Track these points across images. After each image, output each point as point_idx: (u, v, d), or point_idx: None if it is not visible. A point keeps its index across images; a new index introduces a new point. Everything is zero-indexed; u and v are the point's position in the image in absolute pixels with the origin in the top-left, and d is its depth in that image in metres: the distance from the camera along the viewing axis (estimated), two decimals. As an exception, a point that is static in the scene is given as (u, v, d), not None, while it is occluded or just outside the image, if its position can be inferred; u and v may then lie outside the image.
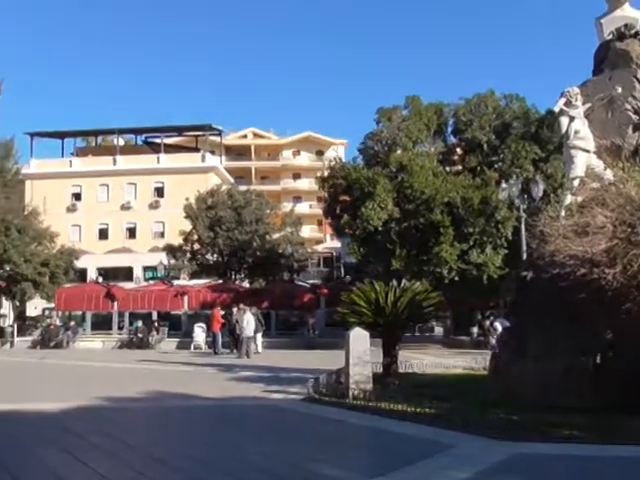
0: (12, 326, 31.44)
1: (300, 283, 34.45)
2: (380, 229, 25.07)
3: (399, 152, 26.69)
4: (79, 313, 33.35)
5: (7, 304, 39.49)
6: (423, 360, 15.52)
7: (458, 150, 29.56)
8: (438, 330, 29.68)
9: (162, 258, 37.90)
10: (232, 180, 52.62)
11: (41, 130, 54.61)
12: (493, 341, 20.70)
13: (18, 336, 30.25)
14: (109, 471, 5.38)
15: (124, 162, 52.61)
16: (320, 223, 59.20)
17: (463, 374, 13.60)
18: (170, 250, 36.41)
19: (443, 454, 6.10)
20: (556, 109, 11.37)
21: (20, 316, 37.13)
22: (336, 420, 8.38)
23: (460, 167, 28.30)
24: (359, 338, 10.31)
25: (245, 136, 70.12)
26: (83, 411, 8.96)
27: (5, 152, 42.12)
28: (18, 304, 38.73)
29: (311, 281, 36.39)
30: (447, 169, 27.60)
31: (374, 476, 5.26)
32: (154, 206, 51.10)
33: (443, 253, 24.24)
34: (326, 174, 28.94)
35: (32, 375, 16.27)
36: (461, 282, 24.53)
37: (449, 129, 29.28)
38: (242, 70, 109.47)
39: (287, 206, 46.55)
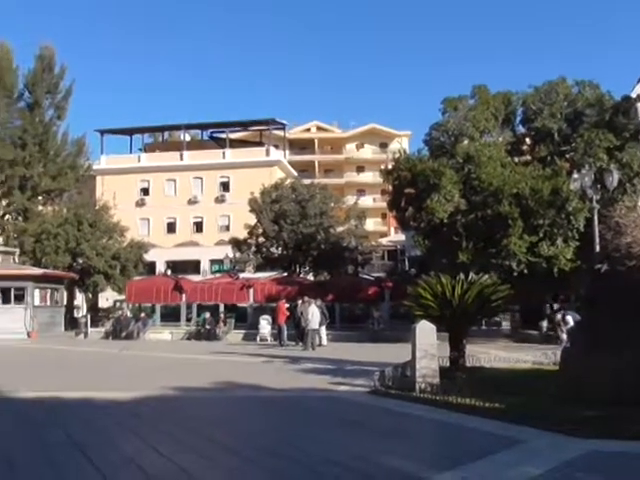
0: (86, 317, 32.50)
1: (364, 276, 34.36)
2: (446, 221, 24.66)
3: (466, 142, 26.14)
4: (149, 305, 34.24)
5: (80, 296, 40.94)
6: (491, 354, 15.22)
7: (527, 140, 28.72)
8: (505, 324, 29.05)
9: (228, 251, 38.46)
10: (296, 174, 52.88)
11: (111, 127, 56.30)
12: (564, 335, 20.14)
13: (91, 327, 31.25)
14: (181, 459, 5.47)
15: (190, 157, 53.65)
16: (384, 216, 58.88)
17: (532, 369, 13.25)
18: (236, 243, 36.90)
19: (513, 449, 5.94)
20: (633, 95, 10.91)
21: (93, 307, 38.42)
22: (403, 413, 8.29)
23: (529, 157, 27.49)
24: (426, 331, 10.17)
25: (308, 130, 70.37)
26: (154, 400, 9.17)
27: (77, 149, 43.56)
28: (91, 296, 40.09)
29: (375, 274, 36.23)
30: (515, 159, 26.84)
31: (444, 470, 5.16)
32: (220, 200, 51.92)
33: (512, 246, 23.65)
34: (390, 166, 28.65)
35: (106, 365, 16.78)
36: (530, 275, 23.88)
37: (518, 118, 28.46)
38: (305, 64, 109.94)
39: (351, 199, 46.37)
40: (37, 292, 31.66)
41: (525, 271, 24.00)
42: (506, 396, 8.46)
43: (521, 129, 28.84)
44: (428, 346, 10.02)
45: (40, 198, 42.07)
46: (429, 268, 20.28)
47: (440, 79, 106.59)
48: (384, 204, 42.23)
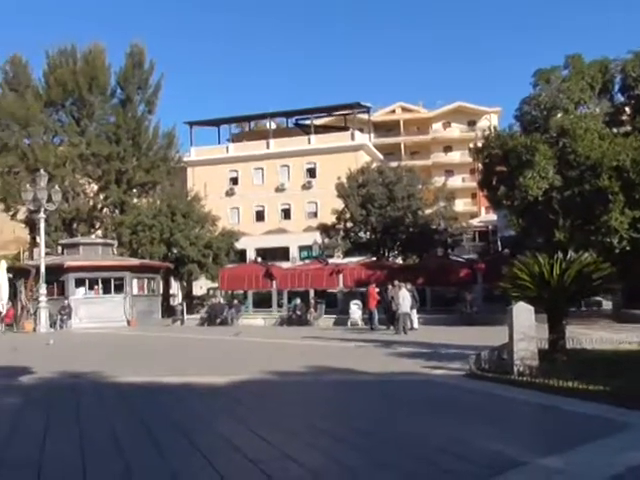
0: (181, 305, 33.55)
1: (455, 258, 33.70)
2: (540, 199, 23.72)
3: (560, 116, 24.98)
4: (241, 292, 34.95)
5: (175, 284, 42.33)
6: (592, 335, 14.51)
7: (627, 109, 27.11)
8: (606, 304, 27.76)
9: (316, 237, 38.65)
10: (381, 157, 52.50)
11: (199, 119, 57.67)
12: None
13: (187, 314, 32.24)
14: (279, 441, 5.45)
15: (276, 145, 54.20)
16: (474, 196, 57.61)
17: (638, 350, 12.52)
18: (324, 229, 37.02)
19: (620, 433, 5.56)
20: None
21: (187, 295, 39.64)
22: (501, 396, 8.00)
23: (630, 127, 25.98)
24: (523, 313, 9.78)
25: (393, 111, 69.57)
26: (250, 384, 9.26)
27: (168, 142, 44.90)
28: (185, 284, 41.38)
29: (466, 256, 35.48)
30: (615, 130, 25.44)
31: (547, 454, 4.88)
32: (307, 187, 52.26)
33: (612, 222, 22.48)
34: (480, 144, 27.86)
35: (203, 350, 17.21)
36: (633, 252, 22.66)
37: (616, 87, 26.90)
38: (388, 45, 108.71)
39: (439, 180, 45.61)
40: (135, 282, 32.94)
41: (627, 248, 22.79)
42: (610, 378, 7.98)
43: (620, 98, 27.26)
44: (526, 328, 9.65)
45: (135, 191, 43.72)
46: (523, 248, 19.63)
47: (530, 51, 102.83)
48: (474, 184, 41.37)
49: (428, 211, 35.45)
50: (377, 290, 25.04)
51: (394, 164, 39.35)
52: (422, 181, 37.37)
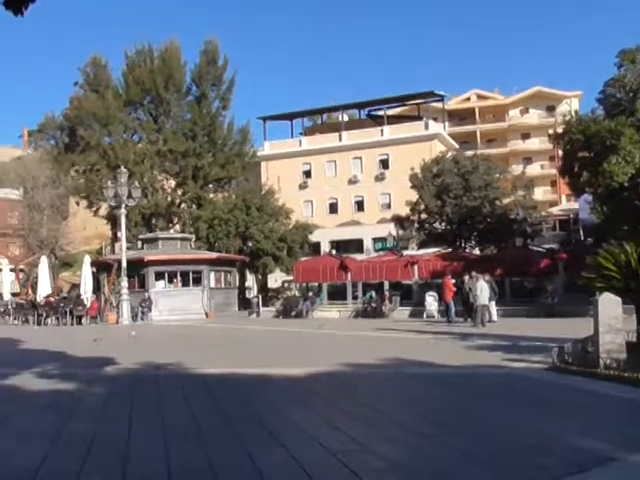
0: (257, 297, 34.00)
1: (535, 248, 32.69)
2: (626, 185, 22.63)
3: (646, 97, 23.78)
4: (315, 284, 35.07)
5: (251, 277, 42.96)
6: (686, 328, 13.74)
7: None
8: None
9: (390, 229, 38.37)
10: (457, 146, 51.55)
11: (272, 114, 58.19)
12: None
13: (262, 307, 32.63)
14: (357, 433, 5.40)
15: (349, 137, 54.06)
16: (554, 184, 55.84)
17: None
18: (398, 221, 36.68)
19: None
20: None
21: (263, 288, 40.16)
22: (586, 390, 7.68)
23: None
24: (609, 304, 9.35)
25: (468, 99, 68.12)
26: (327, 376, 9.24)
27: (242, 137, 45.50)
28: (261, 277, 41.94)
29: (547, 246, 34.33)
30: None
31: (636, 451, 4.63)
32: (380, 178, 51.92)
33: None
34: (560, 130, 26.87)
35: (278, 342, 17.36)
36: None
37: None
38: (462, 31, 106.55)
39: (517, 168, 44.33)
40: (212, 275, 33.61)
41: None
42: None
43: None
44: (612, 320, 9.23)
45: (211, 186, 44.56)
46: (608, 236, 18.82)
47: (611, 32, 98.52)
48: (553, 171, 39.98)
49: (506, 200, 34.52)
50: (453, 282, 24.59)
51: (470, 153, 38.52)
52: (499, 170, 36.39)
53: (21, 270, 44.23)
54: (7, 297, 34.87)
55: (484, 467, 4.40)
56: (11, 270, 40.22)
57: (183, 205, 45.17)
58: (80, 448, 4.98)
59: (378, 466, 4.43)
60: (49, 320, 28.75)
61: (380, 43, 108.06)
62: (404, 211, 36.43)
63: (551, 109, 61.36)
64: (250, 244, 37.77)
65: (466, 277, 23.44)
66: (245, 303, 35.76)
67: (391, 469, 4.38)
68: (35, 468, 4.44)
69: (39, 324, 28.31)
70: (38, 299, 31.67)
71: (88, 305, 29.22)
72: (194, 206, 43.91)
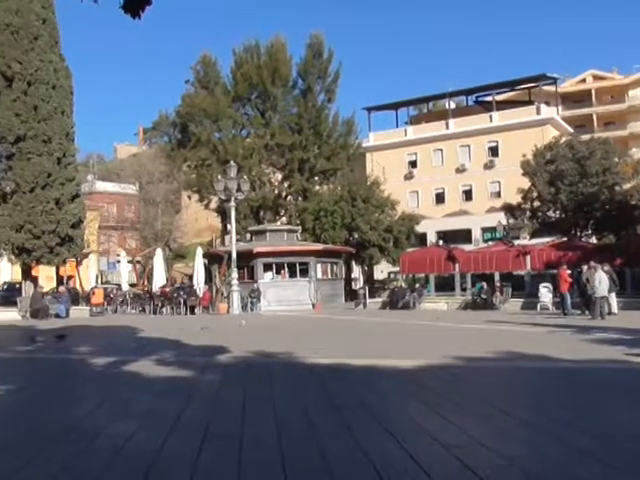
0: (363, 288, 33.97)
1: (658, 236, 30.70)
2: None
3: None
4: (422, 275, 34.61)
5: (357, 269, 43.05)
6: None
7: None
8: None
9: (500, 218, 37.32)
10: (571, 130, 49.26)
11: (376, 104, 57.91)
12: None
13: (369, 298, 32.56)
14: (470, 427, 5.20)
15: (456, 125, 52.95)
16: (681, 168, 52.13)
17: None
18: (508, 209, 35.59)
19: None
20: None
21: (368, 279, 40.16)
22: None
23: None
24: None
25: (583, 80, 64.85)
26: (436, 369, 9.02)
27: (347, 129, 45.68)
28: (367, 268, 41.93)
29: (671, 234, 32.17)
30: None
31: None
32: (489, 166, 50.55)
33: None
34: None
35: (386, 333, 17.24)
36: None
37: None
38: (576, 10, 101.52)
39: (637, 152, 41.74)
40: (319, 266, 33.92)
41: None
42: None
43: None
44: None
45: (316, 178, 45.06)
46: None
47: None
48: (680, 154, 37.08)
49: (626, 186, 32.64)
50: (569, 272, 23.50)
51: (586, 137, 36.67)
52: (619, 153, 34.39)
53: (138, 262, 46.59)
54: (125, 287, 36.74)
55: (605, 467, 4.09)
56: (128, 262, 42.41)
57: (289, 197, 45.92)
58: (197, 433, 5.09)
59: (495, 462, 4.23)
60: (164, 309, 30.01)
61: (487, 28, 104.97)
62: (515, 199, 35.29)
63: (677, 87, 57.44)
64: (356, 235, 37.84)
65: (584, 267, 22.33)
66: (351, 294, 35.82)
67: (509, 466, 4.17)
68: (157, 449, 4.57)
69: (155, 313, 29.63)
70: (154, 289, 33.14)
71: (200, 295, 30.26)
72: (300, 198, 44.53)
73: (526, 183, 34.07)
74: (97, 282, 46.17)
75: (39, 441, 5.12)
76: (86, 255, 40.34)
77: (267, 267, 32.94)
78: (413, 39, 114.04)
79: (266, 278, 32.57)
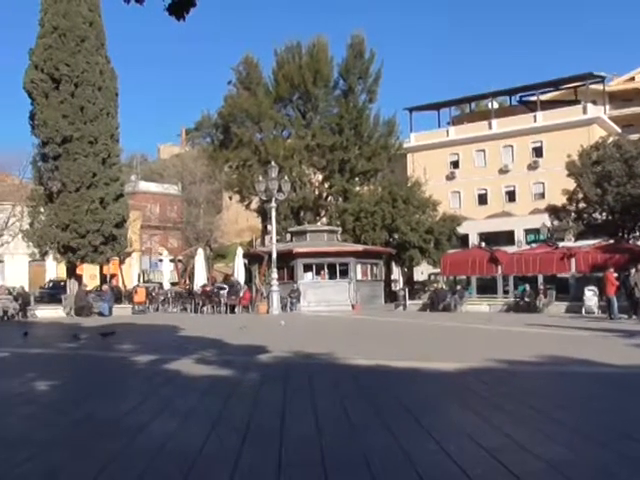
0: (403, 290, 33.72)
1: None
2: None
3: None
4: (463, 277, 34.20)
5: (397, 270, 42.79)
6: None
7: None
8: None
9: (544, 220, 36.65)
10: (619, 130, 48.10)
11: (418, 104, 57.51)
12: None
13: (409, 299, 32.30)
14: (515, 432, 5.12)
15: (499, 125, 52.23)
16: None
17: None
18: (553, 211, 34.90)
19: None
20: None
21: (408, 281, 39.87)
22: None
23: None
24: None
25: (632, 79, 63.12)
26: (479, 371, 8.90)
27: (388, 130, 45.46)
28: (406, 270, 41.64)
29: None
30: None
31: None
32: (533, 167, 49.72)
33: None
34: None
35: (427, 336, 17.10)
36: None
37: None
38: (625, 7, 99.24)
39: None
40: (359, 267, 33.80)
41: None
42: None
43: None
44: None
45: (357, 179, 44.96)
46: None
47: None
48: None
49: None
50: (616, 275, 22.95)
51: (634, 137, 35.74)
52: (672, 152, 33.36)
53: (179, 261, 47.15)
54: (167, 286, 37.22)
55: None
56: (170, 261, 42.95)
57: (330, 198, 45.92)
58: (238, 432, 5.12)
59: (538, 467, 4.17)
60: (205, 308, 30.31)
61: (531, 26, 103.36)
62: (559, 201, 34.59)
63: None
64: (396, 236, 37.60)
65: (631, 270, 21.78)
66: (391, 296, 35.63)
67: (552, 471, 4.09)
68: (198, 448, 4.61)
69: (196, 312, 29.93)
70: (195, 288, 33.49)
71: (241, 295, 30.46)
72: (340, 199, 44.48)
73: (571, 184, 33.35)
74: (139, 281, 46.96)
75: (84, 436, 5.21)
76: (129, 254, 41.07)
77: (307, 268, 32.99)
78: (455, 39, 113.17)
79: (306, 278, 32.62)
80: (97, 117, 28.99)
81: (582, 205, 32.98)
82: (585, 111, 49.34)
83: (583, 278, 28.57)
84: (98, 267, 35.29)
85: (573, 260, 29.19)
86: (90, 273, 37.70)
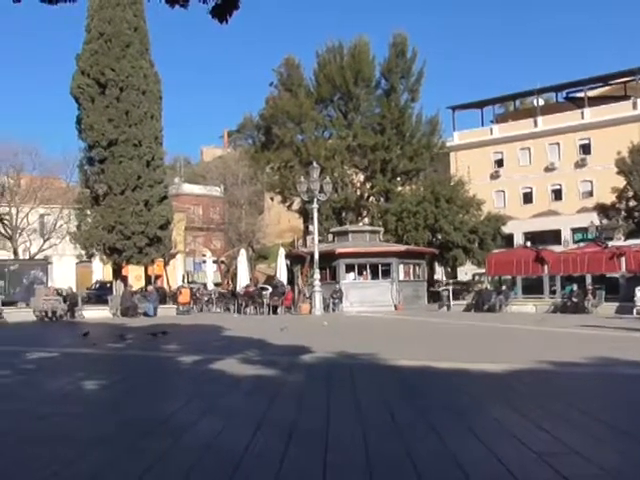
0: (447, 290, 33.35)
1: None
2: None
3: None
4: (509, 277, 33.65)
5: (440, 270, 42.35)
6: None
7: None
8: None
9: (593, 218, 35.87)
10: (674, 125, 46.65)
11: (461, 103, 56.78)
12: None
13: (453, 300, 31.93)
14: (564, 435, 5.00)
15: (545, 122, 51.22)
16: None
17: None
18: (601, 209, 34.15)
19: None
20: None
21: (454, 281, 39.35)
22: None
23: None
24: None
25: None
26: (526, 373, 8.74)
27: (431, 129, 45.01)
28: (450, 270, 41.18)
29: None
30: None
31: None
32: (580, 164, 48.62)
33: None
34: None
35: (471, 336, 16.88)
36: None
37: None
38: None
39: None
40: (401, 267, 33.54)
41: None
42: None
43: None
44: None
45: (399, 179, 44.64)
46: None
47: None
48: None
49: None
50: (668, 275, 22.28)
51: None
52: None
53: (222, 262, 47.58)
54: (210, 287, 37.58)
55: None
56: (214, 262, 43.37)
57: (372, 198, 45.71)
58: (282, 431, 5.11)
59: (589, 471, 4.04)
60: (248, 309, 30.50)
61: (578, 22, 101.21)
62: (608, 199, 33.83)
63: None
64: (439, 236, 37.25)
65: (683, 270, 21.11)
66: (434, 296, 35.30)
67: (605, 475, 3.97)
68: (244, 447, 4.61)
69: (239, 312, 30.14)
70: (238, 289, 33.73)
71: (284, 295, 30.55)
72: (382, 199, 44.25)
73: (621, 182, 32.60)
74: (183, 281, 47.47)
75: (132, 434, 5.27)
76: (173, 255, 41.56)
77: (349, 268, 32.89)
78: (498, 36, 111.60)
79: (348, 279, 32.53)
80: (141, 120, 29.46)
81: (632, 203, 32.20)
82: (635, 107, 48.01)
83: (634, 278, 27.77)
84: (143, 268, 35.81)
85: (623, 259, 28.40)
86: (135, 274, 38.30)
